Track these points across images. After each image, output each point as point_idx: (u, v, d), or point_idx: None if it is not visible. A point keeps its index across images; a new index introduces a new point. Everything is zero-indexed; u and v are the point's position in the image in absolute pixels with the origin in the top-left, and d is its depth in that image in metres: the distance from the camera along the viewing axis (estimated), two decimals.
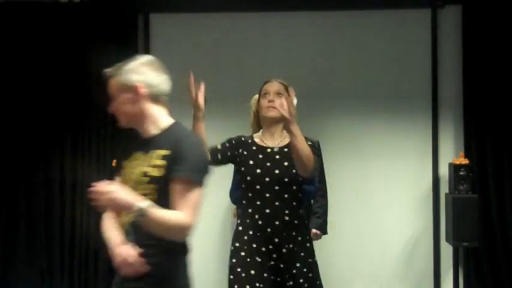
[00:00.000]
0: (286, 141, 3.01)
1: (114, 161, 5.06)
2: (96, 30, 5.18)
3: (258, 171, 2.98)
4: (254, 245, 2.95)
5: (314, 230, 3.79)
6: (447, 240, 4.96)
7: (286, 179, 2.96)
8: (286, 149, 3.00)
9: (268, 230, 2.94)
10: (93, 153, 5.20)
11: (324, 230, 3.93)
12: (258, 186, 2.96)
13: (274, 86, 3.08)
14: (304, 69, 5.09)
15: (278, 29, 5.25)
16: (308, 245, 3.06)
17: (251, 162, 3.01)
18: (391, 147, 5.19)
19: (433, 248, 5.17)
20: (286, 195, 2.95)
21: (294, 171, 2.93)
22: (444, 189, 5.11)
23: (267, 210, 2.94)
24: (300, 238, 3.01)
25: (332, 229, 4.16)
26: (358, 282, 5.21)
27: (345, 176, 5.05)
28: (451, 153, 5.15)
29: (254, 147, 3.08)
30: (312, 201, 3.88)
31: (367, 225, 5.18)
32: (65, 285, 5.17)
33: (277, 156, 3.01)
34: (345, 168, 5.08)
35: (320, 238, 3.89)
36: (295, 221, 2.99)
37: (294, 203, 2.99)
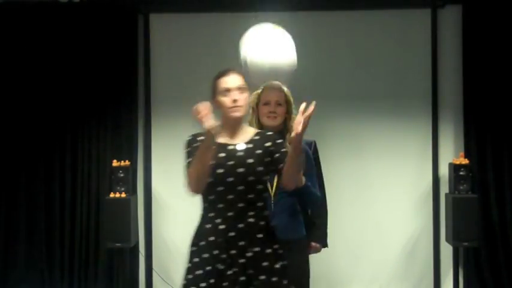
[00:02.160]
0: (248, 136, 2.82)
1: (114, 160, 5.08)
2: (96, 30, 5.18)
3: (221, 171, 2.71)
4: (215, 252, 2.68)
5: (313, 243, 3.46)
6: (447, 240, 4.96)
7: (251, 178, 2.71)
8: (250, 145, 2.79)
9: (231, 234, 2.69)
10: (93, 153, 5.20)
11: (324, 243, 3.57)
12: (220, 188, 2.71)
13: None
14: (304, 69, 5.04)
15: None
16: (276, 246, 2.75)
17: (212, 162, 2.70)
18: (391, 147, 5.19)
19: (433, 248, 5.17)
20: (251, 196, 2.72)
21: (259, 168, 2.73)
22: (444, 189, 5.11)
23: (230, 213, 2.70)
24: (266, 241, 2.71)
25: (332, 229, 4.12)
26: (358, 283, 5.21)
27: (344, 176, 5.04)
28: (451, 153, 5.15)
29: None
30: (309, 211, 3.46)
31: (367, 226, 5.18)
32: (65, 285, 5.18)
33: (241, 154, 2.75)
34: (344, 168, 5.08)
35: (319, 251, 3.54)
36: (261, 223, 2.73)
37: (259, 204, 2.76)
